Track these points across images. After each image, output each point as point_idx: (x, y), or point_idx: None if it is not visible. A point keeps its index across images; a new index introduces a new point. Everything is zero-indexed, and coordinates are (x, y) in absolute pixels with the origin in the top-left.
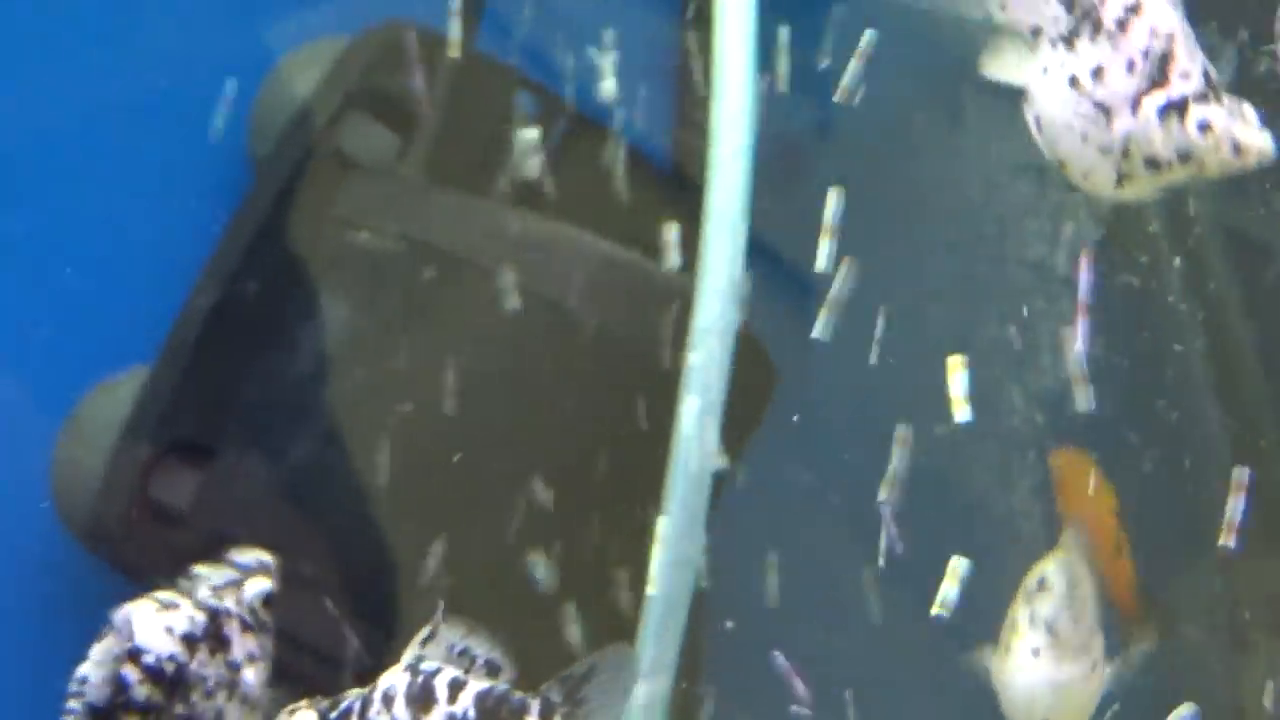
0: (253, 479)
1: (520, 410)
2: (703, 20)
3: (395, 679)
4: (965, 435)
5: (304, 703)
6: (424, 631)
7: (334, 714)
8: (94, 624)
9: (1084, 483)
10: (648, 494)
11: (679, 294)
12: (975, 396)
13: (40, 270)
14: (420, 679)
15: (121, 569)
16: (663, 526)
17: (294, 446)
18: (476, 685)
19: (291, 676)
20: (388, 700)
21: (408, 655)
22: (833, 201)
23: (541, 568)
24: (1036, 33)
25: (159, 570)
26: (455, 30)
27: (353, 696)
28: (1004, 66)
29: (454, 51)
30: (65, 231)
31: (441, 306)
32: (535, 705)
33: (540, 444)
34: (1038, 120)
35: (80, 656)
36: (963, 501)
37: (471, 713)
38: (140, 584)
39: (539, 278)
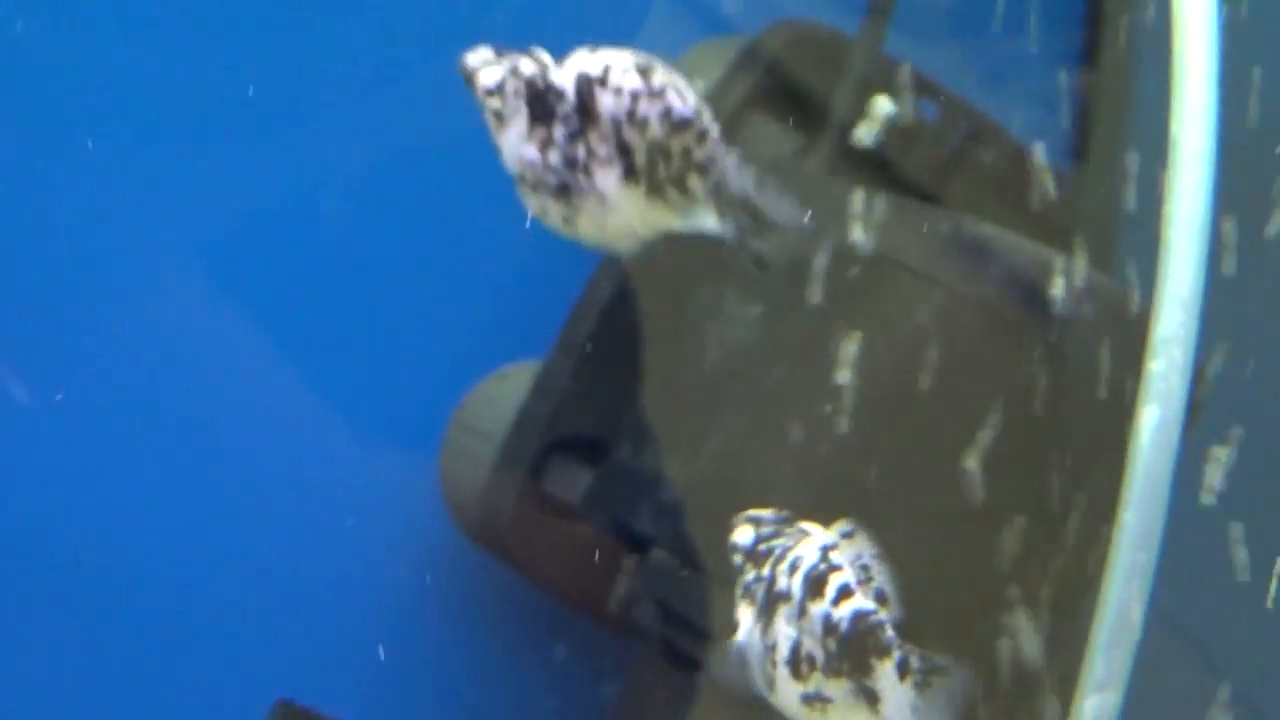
0: (648, 476)
1: (950, 413)
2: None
3: (808, 551)
4: None
5: (769, 513)
6: (847, 525)
7: (762, 545)
8: (482, 619)
9: None
10: (1083, 503)
11: (1118, 299)
12: None
13: (436, 262)
14: (824, 567)
15: (509, 563)
16: (1118, 537)
17: (697, 446)
18: (861, 602)
19: (680, 659)
20: (793, 566)
21: (830, 535)
22: None
23: (972, 572)
24: None
25: (546, 565)
26: (861, 31)
27: (786, 537)
28: None
29: (859, 52)
30: (461, 225)
31: (864, 306)
32: (897, 654)
33: (970, 449)
34: None
35: (472, 651)
36: None
37: (845, 626)
38: (527, 579)
39: (967, 277)
